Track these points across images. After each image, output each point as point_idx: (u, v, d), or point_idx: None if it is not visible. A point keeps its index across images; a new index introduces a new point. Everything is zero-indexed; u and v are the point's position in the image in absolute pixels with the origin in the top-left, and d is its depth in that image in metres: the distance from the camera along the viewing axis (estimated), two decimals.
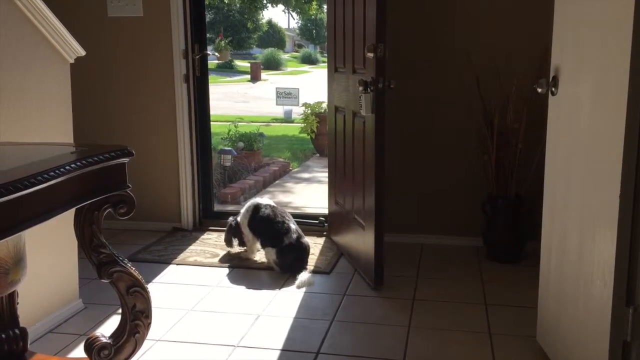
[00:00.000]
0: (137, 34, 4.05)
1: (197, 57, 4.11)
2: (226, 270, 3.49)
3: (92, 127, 4.05)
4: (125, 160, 1.92)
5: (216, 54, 21.66)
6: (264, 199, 3.75)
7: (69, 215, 1.91)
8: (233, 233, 3.66)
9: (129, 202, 1.93)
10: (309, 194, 6.25)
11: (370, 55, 2.98)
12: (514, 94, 3.46)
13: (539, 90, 2.40)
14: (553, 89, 2.34)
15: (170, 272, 3.47)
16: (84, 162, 1.74)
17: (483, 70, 3.57)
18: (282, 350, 2.58)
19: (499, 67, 3.52)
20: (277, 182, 6.88)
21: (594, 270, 1.98)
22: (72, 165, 1.69)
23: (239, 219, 3.66)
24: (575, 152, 2.18)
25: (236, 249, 3.70)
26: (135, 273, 1.99)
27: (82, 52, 2.86)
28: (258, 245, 3.61)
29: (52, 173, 1.59)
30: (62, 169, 1.64)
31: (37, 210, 1.60)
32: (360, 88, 3.01)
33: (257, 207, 3.61)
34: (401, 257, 3.62)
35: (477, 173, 3.69)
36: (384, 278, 3.19)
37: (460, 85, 3.68)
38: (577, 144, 2.16)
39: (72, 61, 2.84)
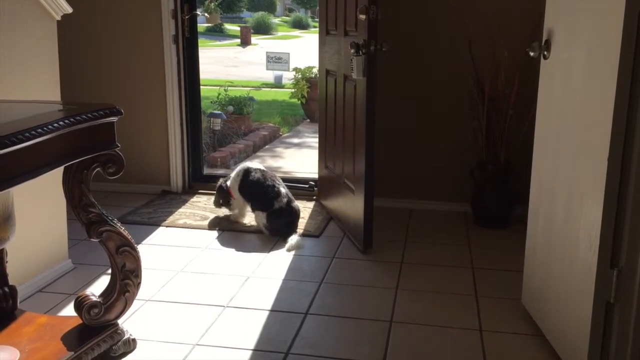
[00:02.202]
0: None
1: (187, 17, 4.04)
2: (216, 233, 3.50)
3: (79, 87, 3.99)
4: (113, 119, 1.90)
5: (206, 14, 21.28)
6: (254, 163, 3.74)
7: (58, 175, 1.90)
8: (222, 196, 3.67)
9: (118, 162, 1.92)
10: (299, 158, 6.25)
11: (362, 17, 2.95)
12: (505, 59, 3.44)
13: (531, 54, 2.39)
14: (545, 52, 2.33)
15: (160, 234, 3.47)
16: (72, 120, 1.72)
17: (476, 36, 3.55)
18: (271, 310, 2.61)
19: (492, 33, 3.49)
20: (267, 146, 6.87)
21: (580, 233, 2.01)
22: (60, 123, 1.67)
23: (229, 183, 3.65)
24: (566, 116, 2.18)
25: (224, 210, 3.71)
26: (125, 232, 1.99)
27: (69, 9, 2.80)
28: (248, 208, 3.62)
29: (39, 130, 1.58)
30: (50, 126, 1.62)
31: (25, 168, 1.58)
32: (352, 51, 2.98)
33: (247, 171, 3.60)
34: (390, 222, 3.64)
35: (467, 139, 3.70)
36: (372, 242, 3.22)
37: (452, 51, 3.65)
38: (568, 109, 2.16)
39: (58, 18, 2.78)
